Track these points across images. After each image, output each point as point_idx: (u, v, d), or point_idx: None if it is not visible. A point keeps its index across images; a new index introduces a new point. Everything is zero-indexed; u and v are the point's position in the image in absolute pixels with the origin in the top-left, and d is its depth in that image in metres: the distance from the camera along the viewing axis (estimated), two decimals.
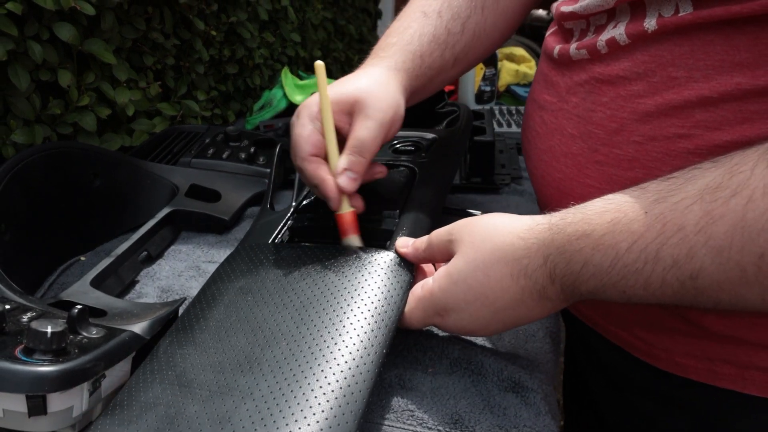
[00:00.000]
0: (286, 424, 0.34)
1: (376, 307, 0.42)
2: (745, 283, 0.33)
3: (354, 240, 0.50)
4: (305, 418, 0.34)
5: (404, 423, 0.40)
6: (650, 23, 0.43)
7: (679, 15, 0.41)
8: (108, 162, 0.66)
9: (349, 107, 0.51)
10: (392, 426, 0.40)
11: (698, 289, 0.34)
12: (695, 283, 0.34)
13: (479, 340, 0.49)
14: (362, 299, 0.43)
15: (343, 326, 0.40)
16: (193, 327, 0.44)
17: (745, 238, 0.32)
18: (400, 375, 0.44)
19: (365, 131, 0.50)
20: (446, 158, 0.62)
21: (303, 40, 1.36)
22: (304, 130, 0.50)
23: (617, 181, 0.47)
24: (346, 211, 0.50)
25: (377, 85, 0.52)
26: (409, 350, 0.47)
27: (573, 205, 0.40)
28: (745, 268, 0.32)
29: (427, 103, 0.74)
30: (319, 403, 0.35)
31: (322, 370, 0.37)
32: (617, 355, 0.56)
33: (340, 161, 0.50)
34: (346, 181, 0.49)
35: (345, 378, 0.37)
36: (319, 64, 0.50)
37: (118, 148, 0.78)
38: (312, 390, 0.36)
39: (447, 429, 0.40)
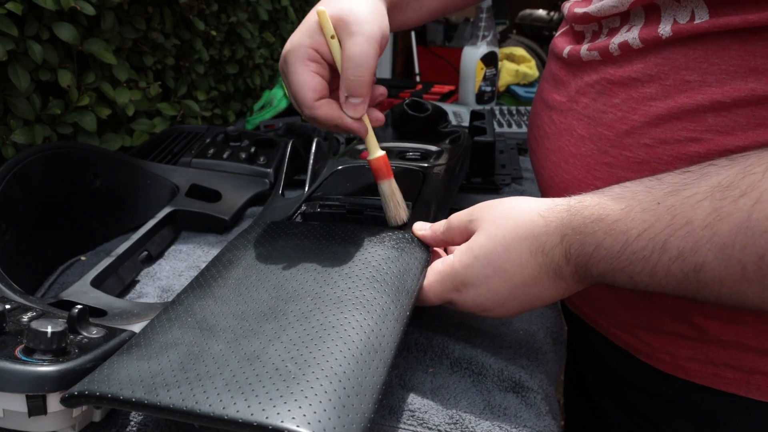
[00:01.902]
0: (318, 363, 0.34)
1: (396, 275, 0.43)
2: (745, 280, 0.33)
3: (386, 185, 0.49)
4: (336, 359, 0.34)
5: (404, 423, 0.40)
6: (665, 29, 0.43)
7: (695, 23, 0.41)
8: (108, 162, 0.66)
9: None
10: (392, 426, 0.40)
11: (701, 282, 0.35)
12: (698, 276, 0.35)
13: (480, 340, 0.49)
14: (382, 267, 0.43)
15: (366, 288, 0.41)
16: (210, 284, 0.43)
17: (748, 238, 0.32)
18: (401, 375, 0.44)
19: (355, 47, 0.46)
20: (451, 166, 0.63)
21: None
22: (300, 76, 0.47)
23: None
24: (375, 156, 0.49)
25: (356, 2, 0.48)
26: (409, 350, 0.47)
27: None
28: (746, 267, 0.33)
29: (431, 122, 0.75)
30: (349, 349, 0.35)
31: (349, 322, 0.37)
32: (620, 357, 0.55)
33: (340, 89, 0.47)
34: (353, 110, 0.47)
35: (372, 331, 0.37)
36: (319, 11, 0.46)
37: (118, 148, 0.78)
38: (341, 338, 0.36)
39: (447, 429, 0.39)
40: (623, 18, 0.47)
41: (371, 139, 0.49)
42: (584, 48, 0.50)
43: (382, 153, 0.49)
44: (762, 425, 0.48)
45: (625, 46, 0.46)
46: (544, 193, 0.59)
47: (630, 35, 0.45)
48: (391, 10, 0.54)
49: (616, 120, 0.47)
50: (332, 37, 0.47)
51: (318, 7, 0.47)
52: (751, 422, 0.48)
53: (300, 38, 0.47)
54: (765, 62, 0.39)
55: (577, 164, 0.51)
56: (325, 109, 0.47)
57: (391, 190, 0.50)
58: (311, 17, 0.48)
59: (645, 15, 0.45)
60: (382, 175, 0.49)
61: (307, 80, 0.47)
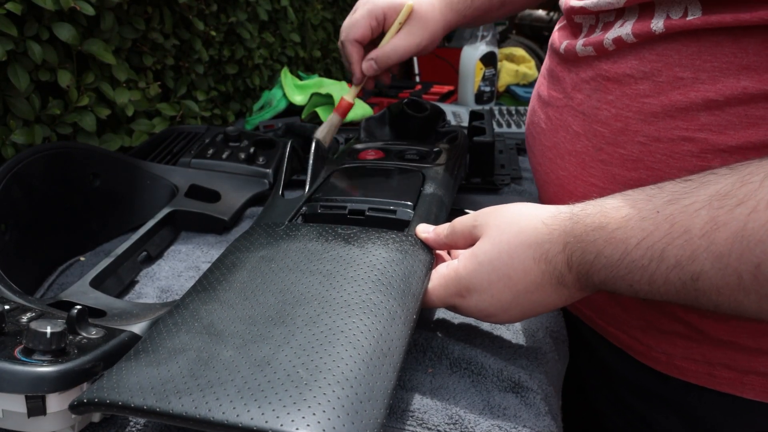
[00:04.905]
0: (329, 369, 0.34)
1: (401, 278, 0.43)
2: (742, 289, 0.33)
3: (336, 118, 0.72)
4: (347, 365, 0.34)
5: (404, 423, 0.40)
6: (657, 25, 0.43)
7: (687, 19, 0.41)
8: (108, 162, 0.66)
9: (400, 11, 0.68)
10: (392, 426, 0.40)
11: (699, 291, 0.35)
12: (696, 284, 0.34)
13: (479, 340, 0.49)
14: (387, 270, 0.43)
15: (372, 291, 0.41)
16: (215, 288, 0.43)
17: (744, 247, 0.32)
18: (400, 375, 0.44)
19: (403, 44, 0.68)
20: (450, 166, 0.64)
21: (302, 40, 1.36)
22: (361, 19, 0.68)
23: (621, 181, 0.47)
24: (349, 99, 0.73)
25: (430, 8, 0.68)
26: (409, 350, 0.47)
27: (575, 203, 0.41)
28: (742, 276, 0.33)
29: (430, 122, 0.76)
30: (359, 354, 0.35)
31: (357, 327, 0.37)
32: (616, 356, 0.56)
33: (371, 53, 0.69)
34: (368, 68, 0.70)
35: (381, 335, 0.37)
36: (409, 6, 0.67)
37: (117, 149, 0.78)
38: (351, 342, 0.36)
39: (447, 429, 0.39)
40: (618, 13, 0.47)
41: (356, 89, 0.73)
42: (580, 43, 0.51)
43: (352, 102, 0.73)
44: (756, 426, 0.48)
45: (619, 41, 0.46)
46: (541, 189, 0.59)
47: (623, 30, 0.46)
48: (453, 26, 0.72)
49: (610, 117, 0.47)
50: (400, 23, 0.68)
51: (409, 2, 0.67)
52: (746, 423, 0.48)
53: (383, 2, 0.68)
54: (757, 60, 0.39)
55: (572, 161, 0.51)
56: (353, 49, 0.69)
57: (335, 121, 0.72)
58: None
59: (639, 11, 0.45)
60: (338, 110, 0.73)
61: (360, 25, 0.68)
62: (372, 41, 0.70)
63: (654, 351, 0.51)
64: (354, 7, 0.70)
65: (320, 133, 0.71)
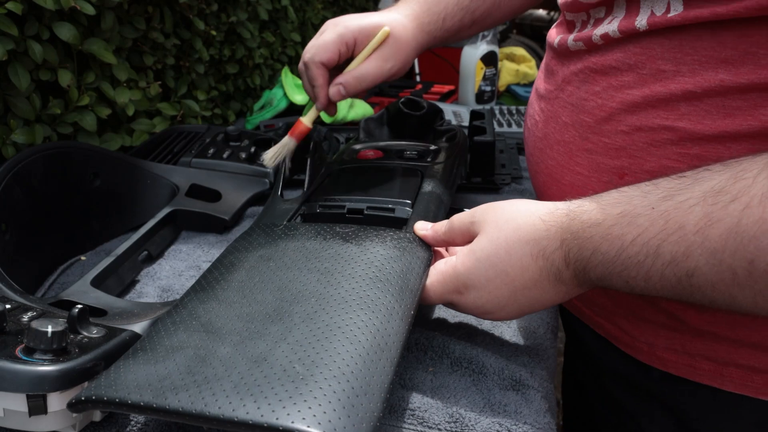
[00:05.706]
0: (325, 363, 0.34)
1: (399, 274, 0.43)
2: (736, 285, 0.33)
3: (291, 142, 0.65)
4: (343, 359, 0.34)
5: (405, 422, 0.40)
6: (641, 22, 0.44)
7: (669, 16, 0.42)
8: (108, 162, 0.66)
9: (372, 35, 0.62)
10: (393, 425, 0.40)
11: (694, 287, 0.35)
12: (691, 281, 0.35)
13: (480, 338, 0.49)
14: (385, 267, 0.43)
15: (370, 288, 0.41)
16: (213, 287, 0.44)
17: (738, 243, 0.32)
18: (401, 374, 0.44)
19: (375, 70, 0.62)
20: (449, 164, 0.64)
21: (303, 39, 1.36)
22: (330, 43, 0.61)
23: (604, 170, 0.48)
24: (306, 123, 0.65)
25: (403, 32, 0.63)
26: (410, 349, 0.47)
27: (569, 197, 0.42)
28: (736, 272, 0.33)
29: (427, 120, 0.75)
30: (356, 348, 0.35)
31: (354, 323, 0.37)
32: (602, 347, 0.56)
33: (340, 77, 0.62)
34: (335, 92, 0.62)
35: (378, 330, 0.37)
36: (385, 31, 0.62)
37: (118, 148, 0.78)
38: (347, 338, 0.36)
39: (447, 427, 0.40)
40: (608, 9, 0.48)
41: (316, 113, 0.65)
42: (571, 38, 0.52)
43: (309, 126, 0.65)
44: (735, 418, 0.48)
45: (606, 37, 0.47)
46: (533, 180, 0.60)
47: (610, 27, 0.46)
48: (425, 47, 0.68)
49: (596, 107, 0.48)
50: (373, 48, 0.62)
51: (386, 27, 0.62)
52: (729, 417, 0.48)
53: (353, 24, 0.62)
54: (734, 53, 0.40)
55: (560, 150, 0.52)
56: (318, 73, 0.62)
57: (287, 144, 0.65)
58: (373, 22, 0.62)
59: (626, 7, 0.46)
60: (293, 133, 0.65)
61: (330, 47, 0.61)
62: (337, 66, 0.64)
63: (637, 341, 0.51)
64: (322, 28, 0.64)
65: (268, 155, 0.65)
